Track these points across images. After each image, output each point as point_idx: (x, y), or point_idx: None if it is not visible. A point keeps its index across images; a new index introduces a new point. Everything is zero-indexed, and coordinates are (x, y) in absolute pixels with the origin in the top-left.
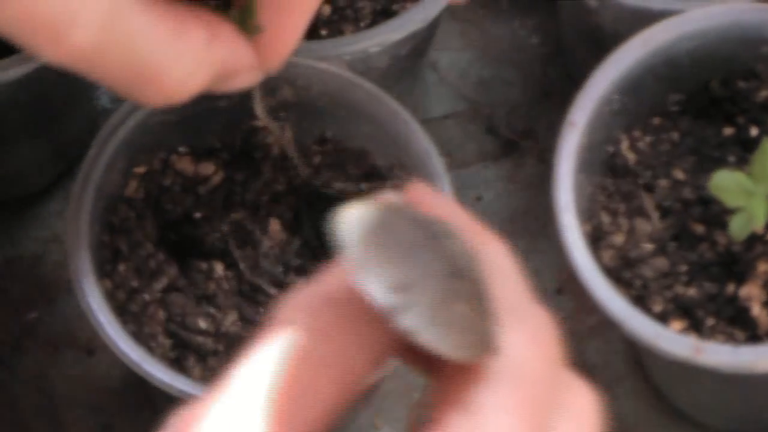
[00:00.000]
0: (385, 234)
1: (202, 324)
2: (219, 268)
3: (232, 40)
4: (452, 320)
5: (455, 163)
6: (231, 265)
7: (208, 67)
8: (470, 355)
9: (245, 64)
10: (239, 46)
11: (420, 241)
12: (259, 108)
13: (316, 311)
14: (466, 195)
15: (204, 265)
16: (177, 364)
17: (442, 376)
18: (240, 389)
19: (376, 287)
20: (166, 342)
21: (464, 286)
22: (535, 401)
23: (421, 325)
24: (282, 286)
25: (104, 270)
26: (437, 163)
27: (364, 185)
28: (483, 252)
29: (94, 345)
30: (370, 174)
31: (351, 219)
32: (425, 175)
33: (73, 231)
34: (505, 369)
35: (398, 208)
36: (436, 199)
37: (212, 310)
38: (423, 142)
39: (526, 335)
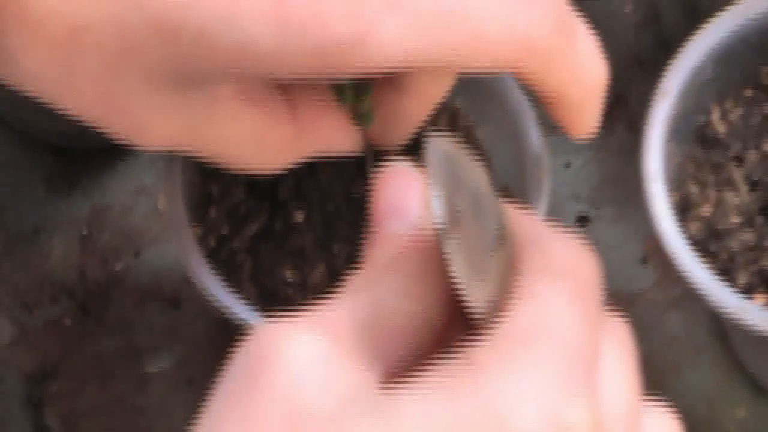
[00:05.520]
0: (454, 167)
1: (290, 275)
2: (308, 219)
3: (328, 131)
4: (486, 272)
5: (545, 129)
6: (322, 216)
7: (295, 156)
8: (490, 315)
9: (344, 148)
10: (337, 134)
11: (477, 189)
12: (370, 167)
13: (399, 263)
14: (555, 161)
15: (297, 216)
16: (263, 314)
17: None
18: (329, 317)
19: (437, 204)
20: (253, 291)
21: (503, 249)
22: (592, 303)
23: (459, 265)
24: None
25: (196, 215)
26: (529, 116)
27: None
28: (517, 224)
29: (180, 297)
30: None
31: (435, 144)
32: (517, 128)
33: (167, 174)
34: (559, 267)
35: (469, 156)
36: None
37: (300, 262)
38: (518, 96)
39: (568, 246)
